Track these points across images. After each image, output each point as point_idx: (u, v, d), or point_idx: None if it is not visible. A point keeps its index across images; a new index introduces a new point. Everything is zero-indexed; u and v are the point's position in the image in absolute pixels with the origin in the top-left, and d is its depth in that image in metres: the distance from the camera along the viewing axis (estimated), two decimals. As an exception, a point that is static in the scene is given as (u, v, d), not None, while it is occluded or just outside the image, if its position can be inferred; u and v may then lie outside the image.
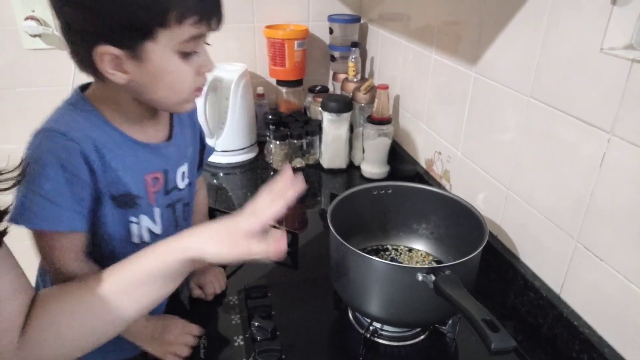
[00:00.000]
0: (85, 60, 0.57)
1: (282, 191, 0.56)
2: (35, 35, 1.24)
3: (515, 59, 0.75)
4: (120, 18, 0.53)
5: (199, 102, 1.15)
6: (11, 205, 0.52)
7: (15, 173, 0.46)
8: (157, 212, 0.68)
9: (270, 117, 1.26)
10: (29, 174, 0.53)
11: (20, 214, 0.56)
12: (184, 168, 0.72)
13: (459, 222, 0.78)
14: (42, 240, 0.60)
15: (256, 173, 1.27)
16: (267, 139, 1.27)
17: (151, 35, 0.54)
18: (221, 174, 1.26)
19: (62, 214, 0.57)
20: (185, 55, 0.58)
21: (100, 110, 0.62)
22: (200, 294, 0.80)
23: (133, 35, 0.55)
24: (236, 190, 1.18)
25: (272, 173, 1.25)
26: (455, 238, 0.80)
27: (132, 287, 0.54)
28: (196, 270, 0.82)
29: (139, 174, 0.65)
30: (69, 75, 1.25)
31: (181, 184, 0.72)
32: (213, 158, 1.28)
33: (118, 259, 0.57)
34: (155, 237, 0.69)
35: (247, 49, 1.39)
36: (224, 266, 0.87)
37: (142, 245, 0.65)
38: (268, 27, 1.34)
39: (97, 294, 0.52)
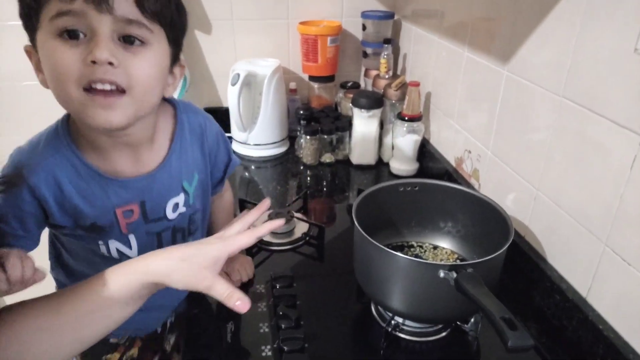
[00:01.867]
0: None
1: (255, 223, 0.57)
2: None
3: (548, 58, 0.74)
4: (20, 8, 0.52)
5: (233, 95, 1.19)
6: None
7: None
8: (132, 237, 0.66)
9: (301, 112, 1.28)
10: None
11: None
12: (177, 199, 0.68)
13: (486, 222, 0.78)
14: None
15: (286, 167, 1.29)
16: (298, 133, 1.29)
17: (36, 21, 0.51)
18: (252, 167, 1.29)
19: (9, 238, 0.59)
20: (63, 36, 0.49)
21: (74, 140, 0.60)
22: (226, 280, 0.83)
23: (28, 25, 0.52)
24: (266, 184, 1.21)
25: (301, 167, 1.28)
26: (481, 237, 0.80)
27: (94, 306, 0.51)
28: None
29: (108, 207, 0.62)
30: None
31: (171, 214, 0.68)
32: (245, 151, 1.32)
33: (85, 267, 0.60)
34: (127, 258, 0.65)
35: (280, 45, 1.41)
36: (251, 255, 0.91)
37: (115, 260, 0.66)
38: (302, 23, 1.36)
39: (61, 313, 0.50)
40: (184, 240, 0.73)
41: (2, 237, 0.60)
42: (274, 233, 0.96)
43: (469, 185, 1.01)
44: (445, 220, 0.86)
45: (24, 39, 0.54)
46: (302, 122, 1.28)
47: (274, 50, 1.41)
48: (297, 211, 1.04)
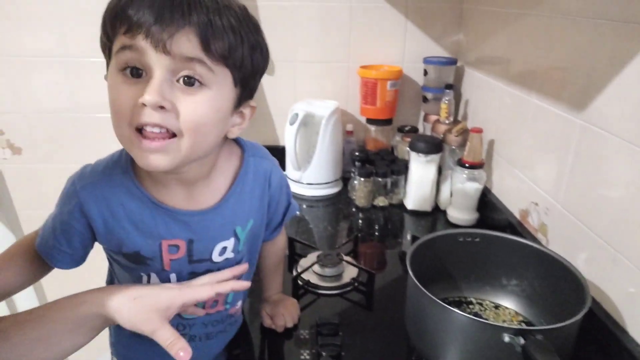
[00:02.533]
0: None
1: (225, 283, 0.59)
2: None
3: (629, 108, 0.68)
4: (100, 40, 0.53)
5: (290, 135, 1.20)
6: None
7: None
8: (173, 277, 0.63)
9: (356, 153, 1.27)
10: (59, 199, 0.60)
11: (40, 230, 0.63)
12: (226, 243, 0.64)
13: (556, 282, 0.70)
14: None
15: (338, 208, 1.27)
16: (352, 175, 1.27)
17: (109, 55, 0.52)
18: (304, 206, 1.28)
19: (54, 251, 0.62)
20: (125, 72, 0.49)
21: (133, 167, 0.59)
22: (270, 324, 0.79)
23: (105, 54, 0.54)
24: (317, 223, 1.19)
25: (353, 209, 1.24)
26: (550, 299, 0.73)
27: (42, 333, 0.52)
28: (270, 300, 0.82)
29: (154, 238, 0.60)
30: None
31: (218, 257, 0.64)
32: (298, 190, 1.31)
33: None
34: None
35: (339, 87, 1.43)
36: (297, 297, 0.87)
37: None
38: (362, 67, 1.37)
39: (12, 340, 0.50)
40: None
41: (48, 249, 0.62)
42: (321, 276, 0.92)
43: (535, 240, 0.94)
44: (508, 276, 0.79)
45: (100, 74, 0.57)
46: (356, 163, 1.26)
47: (333, 92, 1.42)
48: (347, 254, 1.00)
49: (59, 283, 0.91)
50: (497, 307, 0.79)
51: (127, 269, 0.64)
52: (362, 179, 1.21)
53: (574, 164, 0.82)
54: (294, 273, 0.92)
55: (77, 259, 0.63)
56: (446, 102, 1.25)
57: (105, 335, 0.67)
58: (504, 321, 0.76)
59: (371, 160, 1.28)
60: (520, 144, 1.02)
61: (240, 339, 0.79)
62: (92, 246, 0.64)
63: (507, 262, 0.78)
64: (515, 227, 1.01)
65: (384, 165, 1.24)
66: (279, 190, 0.71)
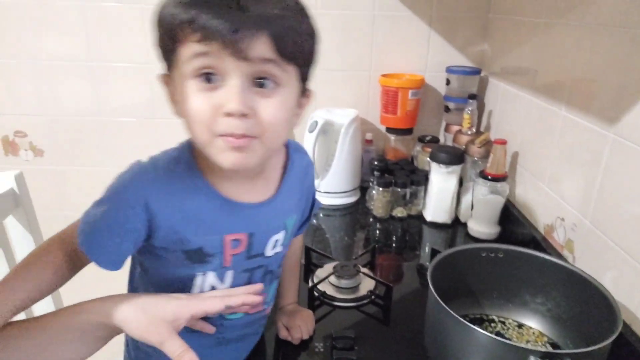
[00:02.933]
0: None
1: (235, 295, 0.57)
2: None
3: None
4: (157, 41, 0.53)
5: (309, 142, 1.19)
6: None
7: None
8: (229, 275, 0.63)
9: (375, 162, 1.25)
10: (106, 194, 0.56)
11: (82, 220, 0.56)
12: (278, 236, 0.65)
13: (584, 303, 0.67)
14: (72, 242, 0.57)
15: (355, 217, 1.25)
16: (370, 184, 1.25)
17: (172, 59, 0.51)
18: (321, 215, 1.26)
19: (103, 250, 0.56)
20: (199, 79, 0.50)
21: (197, 161, 0.58)
22: (286, 335, 0.78)
23: (164, 59, 0.53)
24: (333, 232, 1.17)
25: (371, 219, 1.22)
26: (578, 320, 0.69)
27: (47, 340, 0.51)
28: (285, 310, 0.81)
29: (218, 232, 0.59)
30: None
31: (270, 251, 0.65)
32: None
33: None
34: None
35: (360, 96, 1.41)
36: (313, 309, 0.85)
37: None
38: (384, 75, 1.35)
39: (16, 346, 0.50)
40: (270, 281, 0.70)
41: (96, 248, 0.56)
42: (337, 287, 0.90)
43: (560, 257, 0.90)
44: (533, 295, 0.75)
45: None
46: (375, 173, 1.24)
47: (353, 101, 1.40)
48: (364, 266, 0.98)
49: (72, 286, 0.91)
50: (520, 326, 0.76)
51: (183, 269, 0.61)
52: (381, 189, 1.19)
53: (605, 178, 0.79)
54: (310, 284, 0.90)
55: (122, 260, 0.58)
56: (469, 112, 1.22)
57: (119, 339, 0.66)
58: (527, 342, 0.73)
59: (390, 170, 1.26)
60: (547, 156, 0.98)
61: (254, 349, 0.77)
62: (136, 249, 0.60)
63: (532, 279, 0.74)
64: (539, 242, 0.97)
65: (403, 175, 1.22)
66: (312, 186, 0.75)
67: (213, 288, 0.63)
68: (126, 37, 1.35)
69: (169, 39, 0.50)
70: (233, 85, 0.49)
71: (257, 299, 0.60)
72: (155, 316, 0.52)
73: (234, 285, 0.64)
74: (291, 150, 0.69)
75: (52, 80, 1.38)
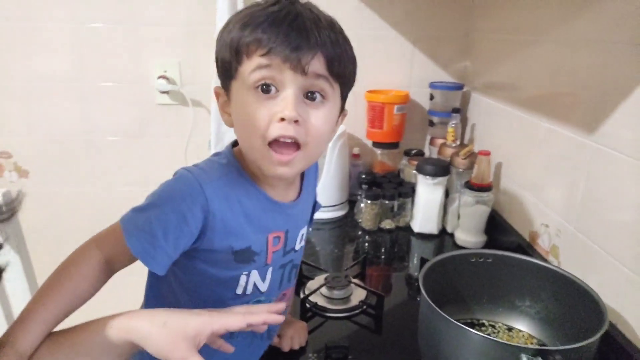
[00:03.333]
0: None
1: (257, 313, 0.57)
2: (164, 92, 1.41)
3: (642, 127, 0.69)
4: (218, 58, 0.59)
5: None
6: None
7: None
8: (269, 271, 0.67)
9: (363, 176, 1.27)
10: (155, 199, 0.57)
11: (126, 225, 0.56)
12: (303, 230, 0.72)
13: (571, 303, 0.69)
14: (118, 244, 0.57)
15: (344, 230, 1.26)
16: (358, 198, 1.27)
17: (234, 73, 0.57)
18: (310, 229, 1.26)
19: (159, 251, 0.56)
20: (259, 91, 0.55)
21: (242, 166, 0.63)
22: (277, 342, 0.78)
23: (224, 74, 0.58)
24: (324, 245, 1.18)
25: (360, 232, 1.23)
26: (566, 321, 0.71)
27: (74, 356, 0.51)
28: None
29: (263, 231, 0.64)
30: (188, 128, 1.39)
31: (298, 245, 0.71)
32: (304, 212, 1.30)
33: (211, 300, 0.60)
34: (258, 293, 0.67)
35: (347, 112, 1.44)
36: (305, 320, 0.85)
37: (244, 297, 0.65)
38: (370, 91, 1.38)
39: None
40: (294, 274, 0.74)
41: (151, 249, 0.56)
42: (329, 298, 0.91)
43: (546, 262, 0.92)
44: (522, 298, 0.77)
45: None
46: (363, 186, 1.26)
47: (340, 116, 1.43)
48: (354, 277, 0.99)
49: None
50: (510, 329, 0.77)
51: (230, 270, 0.62)
52: (369, 202, 1.21)
53: (587, 184, 0.82)
54: (302, 295, 0.91)
55: (171, 262, 0.59)
56: (453, 125, 1.26)
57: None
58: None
59: (378, 183, 1.28)
60: (530, 166, 1.02)
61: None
62: (183, 251, 0.60)
63: (520, 283, 0.76)
64: (525, 249, 0.99)
65: (390, 188, 1.24)
66: (316, 187, 0.79)
67: (256, 286, 0.66)
68: (113, 58, 1.36)
69: (235, 55, 0.56)
70: (289, 94, 0.55)
71: (280, 318, 0.59)
72: (175, 333, 0.52)
73: (271, 282, 0.68)
74: None
75: (38, 100, 1.38)
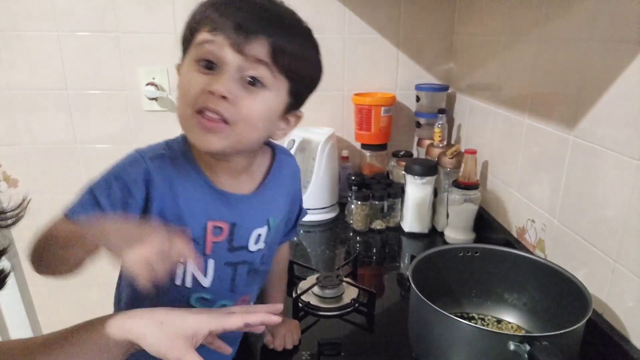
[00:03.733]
0: None
1: (255, 313, 0.57)
2: (152, 99, 1.41)
3: (620, 120, 0.71)
4: (182, 37, 0.61)
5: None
6: (9, 246, 0.50)
7: (16, 212, 0.47)
8: (210, 263, 0.65)
9: (353, 177, 1.28)
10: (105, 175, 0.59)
11: (70, 206, 0.58)
12: (261, 231, 0.69)
13: (557, 294, 0.70)
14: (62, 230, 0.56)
15: (335, 232, 1.27)
16: (349, 199, 1.28)
17: (187, 48, 0.59)
18: (302, 231, 1.28)
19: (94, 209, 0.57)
20: (200, 63, 0.56)
21: (190, 150, 0.64)
22: (270, 340, 0.79)
23: (183, 51, 0.60)
24: (315, 247, 1.19)
25: (351, 233, 1.25)
26: (553, 311, 0.72)
27: (71, 356, 0.51)
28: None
29: (203, 218, 0.63)
30: (177, 135, 1.39)
31: (253, 246, 0.68)
32: (295, 215, 1.31)
33: (157, 295, 0.57)
34: (200, 288, 0.66)
35: (335, 114, 1.46)
36: (298, 319, 0.86)
37: (183, 289, 0.65)
38: (357, 94, 1.40)
39: None
40: (255, 280, 0.73)
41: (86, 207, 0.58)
42: (321, 297, 0.91)
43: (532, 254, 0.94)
44: (510, 291, 0.79)
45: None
46: (353, 187, 1.27)
47: (329, 119, 1.45)
48: (346, 276, 1.00)
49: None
50: (499, 321, 0.79)
51: None
52: (359, 203, 1.22)
53: (569, 177, 0.84)
54: (294, 295, 0.91)
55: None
56: (439, 126, 1.28)
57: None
58: (507, 336, 0.75)
59: (367, 184, 1.29)
60: (515, 163, 1.04)
61: (240, 357, 0.77)
62: None
63: (508, 276, 0.78)
64: (512, 244, 1.01)
65: (380, 189, 1.25)
66: (299, 190, 0.79)
67: (196, 280, 0.65)
68: (100, 65, 1.36)
69: (189, 31, 0.59)
70: (224, 72, 0.55)
71: (277, 319, 0.58)
72: (173, 332, 0.52)
73: (216, 279, 0.66)
74: (278, 151, 0.74)
75: (26, 110, 1.38)
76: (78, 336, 0.52)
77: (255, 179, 0.69)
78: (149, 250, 0.48)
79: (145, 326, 0.52)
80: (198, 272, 0.65)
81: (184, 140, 0.65)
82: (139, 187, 0.59)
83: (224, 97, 0.55)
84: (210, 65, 0.56)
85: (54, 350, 0.51)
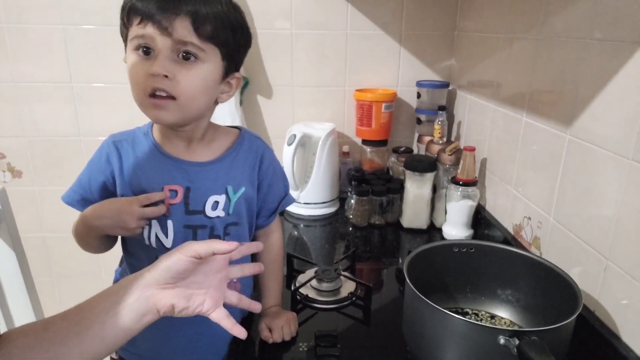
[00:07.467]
0: None
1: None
2: (155, 92, 1.42)
3: (616, 119, 0.72)
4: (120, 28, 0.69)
5: (288, 155, 1.23)
6: None
7: None
8: (170, 225, 0.73)
9: (353, 173, 1.29)
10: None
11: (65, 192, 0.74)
12: (218, 198, 0.75)
13: (550, 291, 0.72)
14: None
15: (335, 227, 1.28)
16: (348, 194, 1.29)
17: (125, 40, 0.67)
18: (302, 226, 1.29)
19: (82, 202, 0.74)
20: (139, 52, 0.65)
21: (153, 128, 0.76)
22: (268, 335, 0.80)
23: (124, 41, 0.68)
24: (315, 242, 1.20)
25: (350, 228, 1.26)
26: (545, 308, 0.74)
27: (91, 325, 0.53)
28: (268, 312, 0.83)
29: (159, 182, 0.73)
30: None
31: (210, 212, 0.75)
32: (295, 209, 1.33)
33: (135, 254, 0.75)
34: (163, 249, 0.73)
35: (336, 110, 1.47)
36: (296, 312, 0.87)
37: (151, 248, 0.74)
38: (358, 90, 1.41)
39: (60, 332, 0.52)
40: None
41: (75, 200, 0.74)
42: (319, 290, 0.93)
43: (527, 251, 0.95)
44: (503, 287, 0.80)
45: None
46: (353, 182, 1.28)
47: (330, 115, 1.46)
48: (344, 271, 1.01)
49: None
50: (492, 317, 0.80)
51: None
52: (359, 198, 1.23)
53: (565, 176, 0.85)
54: (292, 287, 0.93)
55: (88, 200, 0.75)
56: (439, 123, 1.29)
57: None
58: (500, 331, 0.77)
59: (367, 179, 1.31)
60: (512, 161, 1.05)
61: (239, 351, 0.79)
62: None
63: (502, 272, 0.79)
64: (509, 242, 1.02)
65: (380, 185, 1.26)
66: (271, 173, 0.82)
67: (159, 240, 0.74)
68: (105, 58, 1.38)
69: (123, 25, 0.67)
70: (159, 55, 0.64)
71: (233, 245, 0.60)
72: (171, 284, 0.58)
73: (178, 240, 0.73)
74: (244, 131, 0.81)
75: (30, 102, 1.39)
76: (94, 300, 0.56)
77: (215, 151, 0.77)
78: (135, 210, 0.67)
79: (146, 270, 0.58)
80: (160, 232, 0.74)
81: (150, 123, 0.76)
82: (106, 166, 0.73)
83: (165, 76, 0.63)
84: (148, 51, 0.64)
85: (71, 315, 0.54)
